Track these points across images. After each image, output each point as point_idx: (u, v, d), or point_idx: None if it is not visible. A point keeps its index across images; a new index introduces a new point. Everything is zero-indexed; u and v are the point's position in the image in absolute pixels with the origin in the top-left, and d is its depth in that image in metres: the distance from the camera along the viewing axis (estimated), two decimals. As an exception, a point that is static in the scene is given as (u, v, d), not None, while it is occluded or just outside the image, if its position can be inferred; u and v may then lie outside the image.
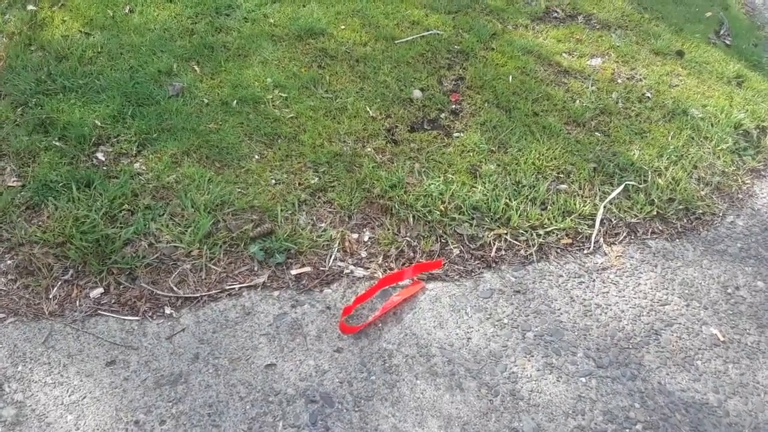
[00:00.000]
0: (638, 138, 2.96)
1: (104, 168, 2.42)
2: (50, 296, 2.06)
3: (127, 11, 3.12)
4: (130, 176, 2.39)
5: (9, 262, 2.13)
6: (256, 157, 2.59)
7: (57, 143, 2.45)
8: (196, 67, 2.89)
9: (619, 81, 3.26)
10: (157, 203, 2.33)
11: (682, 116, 3.09)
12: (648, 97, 3.19)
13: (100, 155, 2.48)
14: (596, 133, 2.95)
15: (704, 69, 3.43)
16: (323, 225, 2.42)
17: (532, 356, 2.08)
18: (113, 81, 2.72)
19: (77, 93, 2.65)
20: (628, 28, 3.66)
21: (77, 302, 2.06)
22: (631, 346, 2.16)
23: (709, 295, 2.38)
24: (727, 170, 2.92)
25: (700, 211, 2.74)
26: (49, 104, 2.57)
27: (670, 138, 2.97)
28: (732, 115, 3.12)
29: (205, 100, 2.74)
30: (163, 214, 2.30)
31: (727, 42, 3.70)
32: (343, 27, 3.27)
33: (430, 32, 3.31)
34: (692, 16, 3.87)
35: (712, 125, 3.07)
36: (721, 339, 2.23)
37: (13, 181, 2.33)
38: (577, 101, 3.09)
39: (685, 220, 2.71)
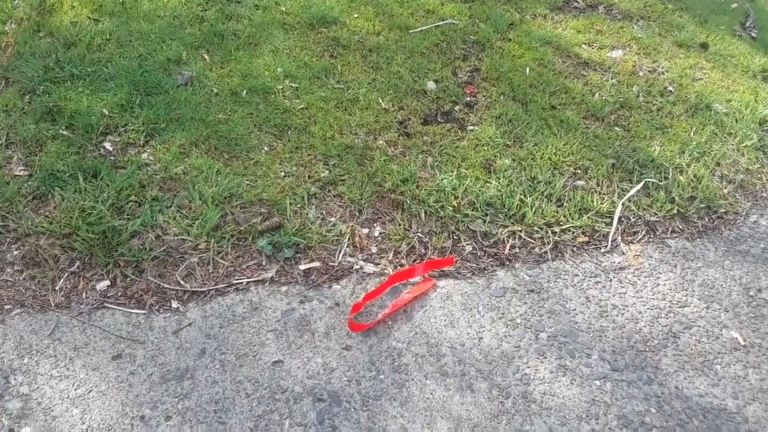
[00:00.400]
0: (659, 133, 2.87)
1: (111, 158, 2.39)
2: (56, 288, 2.04)
3: (137, -3, 3.08)
4: (137, 167, 2.35)
5: (15, 252, 2.11)
6: (266, 148, 2.54)
7: (64, 132, 2.41)
8: (205, 56, 2.84)
9: (641, 74, 3.17)
10: (165, 195, 2.29)
11: (705, 111, 3.00)
12: (670, 91, 3.10)
13: (107, 145, 2.44)
14: (616, 128, 2.87)
15: (729, 62, 3.32)
16: (333, 219, 2.37)
17: (545, 358, 2.03)
18: (121, 69, 2.68)
19: (85, 81, 2.61)
20: (650, 19, 3.54)
21: (83, 294, 2.03)
22: (648, 349, 2.09)
23: (731, 297, 2.31)
24: (751, 168, 2.83)
25: (723, 210, 2.66)
26: (56, 92, 2.54)
27: (692, 134, 2.88)
28: (757, 110, 3.02)
29: (215, 90, 2.69)
30: (171, 206, 2.26)
31: (753, 34, 3.58)
32: (356, 15, 3.20)
33: (446, 22, 3.22)
34: (717, 7, 3.75)
35: (736, 121, 2.98)
36: (742, 343, 2.16)
37: (20, 170, 2.30)
38: (597, 94, 3.00)
39: (706, 219, 2.63)
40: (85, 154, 2.37)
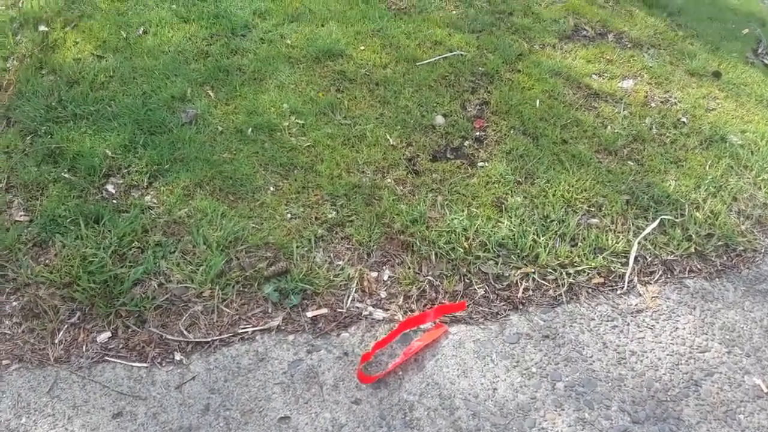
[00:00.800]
0: (674, 167, 2.80)
1: (114, 201, 2.33)
2: (56, 341, 1.97)
3: (140, 32, 3.02)
4: (140, 210, 2.29)
5: (14, 303, 2.05)
6: (272, 188, 2.48)
7: (66, 175, 2.36)
8: (210, 92, 2.79)
9: (653, 105, 3.10)
10: (168, 240, 2.23)
11: (720, 143, 2.93)
12: (683, 122, 3.03)
13: (110, 187, 2.39)
14: (629, 162, 2.80)
15: (742, 91, 3.25)
16: (341, 263, 2.30)
17: (563, 410, 1.95)
18: (125, 107, 2.63)
19: (88, 120, 2.56)
20: (661, 47, 3.48)
21: (84, 347, 1.97)
22: (669, 399, 2.01)
23: (752, 340, 2.22)
24: (768, 202, 2.75)
25: (741, 248, 2.58)
26: (59, 133, 2.49)
27: (707, 167, 2.81)
28: (773, 141, 2.95)
29: (219, 128, 2.64)
30: (174, 252, 2.20)
31: (766, 61, 3.51)
32: (362, 48, 3.14)
33: (454, 53, 3.17)
34: (728, 33, 3.68)
35: (752, 153, 2.90)
36: (765, 390, 2.07)
37: (21, 215, 2.25)
38: (609, 127, 2.94)
39: (724, 258, 2.55)
40: (87, 197, 2.32)
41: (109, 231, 2.20)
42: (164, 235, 2.25)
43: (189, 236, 2.26)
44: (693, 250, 2.53)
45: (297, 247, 2.30)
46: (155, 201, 2.36)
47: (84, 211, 2.23)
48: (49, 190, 2.31)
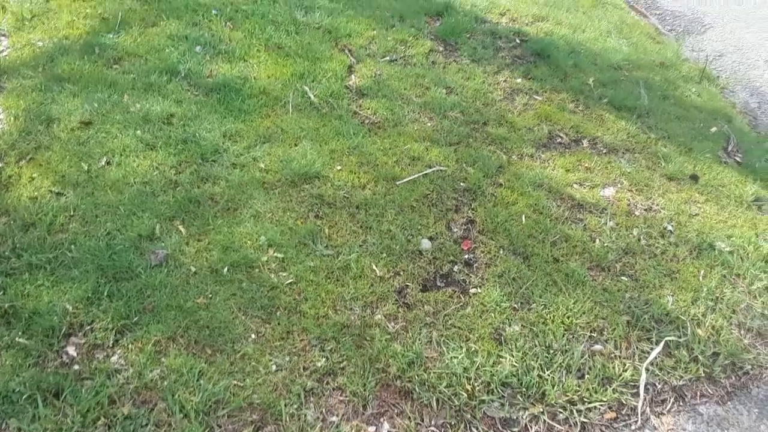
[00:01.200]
0: (668, 280, 2.71)
1: (76, 367, 2.06)
2: None
3: (103, 163, 2.82)
4: (106, 376, 2.03)
5: None
6: (253, 336, 2.26)
7: (21, 339, 2.09)
8: (181, 228, 2.59)
9: (637, 213, 3.05)
10: (139, 411, 1.97)
11: (709, 251, 2.87)
12: (670, 231, 2.97)
13: (71, 350, 2.13)
14: (623, 278, 2.70)
15: (721, 193, 3.24)
16: (334, 419, 2.08)
17: None
18: (87, 251, 2.40)
19: (45, 270, 2.32)
20: (635, 151, 3.48)
21: None
22: None
23: (777, 473, 2.08)
24: (766, 312, 2.67)
25: (748, 366, 2.47)
26: (12, 288, 2.23)
27: (701, 278, 2.74)
28: (759, 246, 2.90)
29: (192, 269, 2.43)
30: (147, 425, 1.94)
31: (738, 159, 3.55)
32: (339, 167, 3.02)
33: (433, 169, 3.07)
34: (698, 132, 3.72)
35: (742, 260, 2.85)
36: None
37: (-32, 393, 1.97)
38: (597, 241, 2.85)
39: (733, 378, 2.44)
40: (45, 365, 2.05)
41: (70, 406, 1.93)
42: (134, 405, 1.99)
43: (163, 403, 2.01)
44: (702, 373, 2.41)
45: (285, 404, 2.07)
46: (123, 362, 2.11)
47: (41, 385, 1.96)
48: (2, 359, 2.04)
